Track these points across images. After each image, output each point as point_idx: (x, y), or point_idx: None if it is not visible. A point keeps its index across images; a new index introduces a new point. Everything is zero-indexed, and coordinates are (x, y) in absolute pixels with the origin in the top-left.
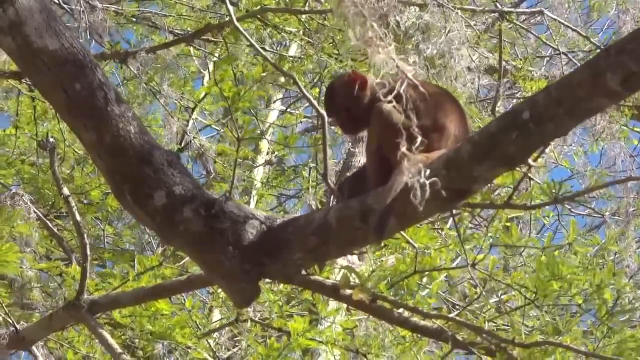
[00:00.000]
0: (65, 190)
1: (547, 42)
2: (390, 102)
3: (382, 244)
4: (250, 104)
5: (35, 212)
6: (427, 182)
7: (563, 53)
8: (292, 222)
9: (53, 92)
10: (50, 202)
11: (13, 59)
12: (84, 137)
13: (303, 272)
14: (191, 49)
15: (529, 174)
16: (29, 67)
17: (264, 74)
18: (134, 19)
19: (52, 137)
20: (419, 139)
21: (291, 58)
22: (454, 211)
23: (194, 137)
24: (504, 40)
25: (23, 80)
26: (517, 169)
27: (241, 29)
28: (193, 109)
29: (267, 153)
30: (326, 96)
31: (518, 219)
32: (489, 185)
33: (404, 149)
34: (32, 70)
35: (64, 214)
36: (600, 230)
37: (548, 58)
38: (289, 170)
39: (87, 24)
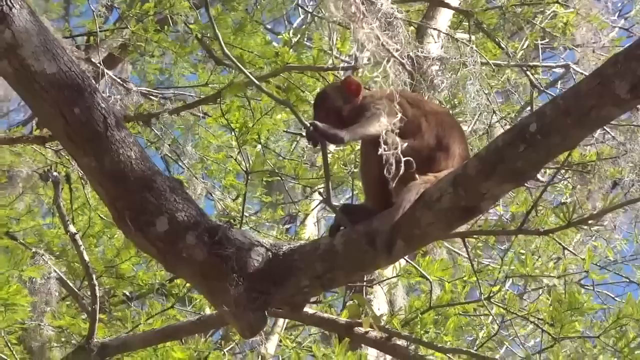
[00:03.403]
0: (72, 228)
1: None
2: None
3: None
4: (258, 136)
5: (55, 272)
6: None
7: None
8: (299, 249)
9: (52, 117)
10: (81, 278)
11: (10, 83)
12: (83, 163)
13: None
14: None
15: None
16: (26, 92)
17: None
18: (169, 101)
19: (56, 171)
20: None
21: None
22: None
23: (219, 199)
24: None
25: (47, 145)
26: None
27: (230, 54)
28: (236, 197)
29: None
30: (317, 99)
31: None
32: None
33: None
34: (30, 94)
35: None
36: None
37: None
38: None
39: (123, 107)
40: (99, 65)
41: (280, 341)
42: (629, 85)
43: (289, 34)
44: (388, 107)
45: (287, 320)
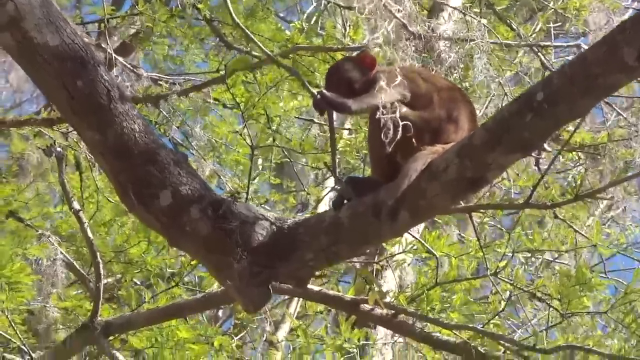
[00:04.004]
0: (76, 205)
1: None
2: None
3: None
4: (268, 118)
5: (61, 253)
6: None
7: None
8: (303, 223)
9: (55, 90)
10: (89, 264)
11: (12, 56)
12: (87, 136)
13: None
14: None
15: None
16: (29, 65)
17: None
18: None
19: (59, 146)
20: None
21: None
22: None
23: (227, 181)
24: None
25: (54, 128)
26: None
27: (238, 21)
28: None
29: None
30: (330, 69)
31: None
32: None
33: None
34: (33, 67)
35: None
36: None
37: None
38: None
39: (132, 92)
40: (105, 46)
41: (292, 330)
42: (637, 52)
43: (301, 22)
44: (399, 79)
45: (298, 309)
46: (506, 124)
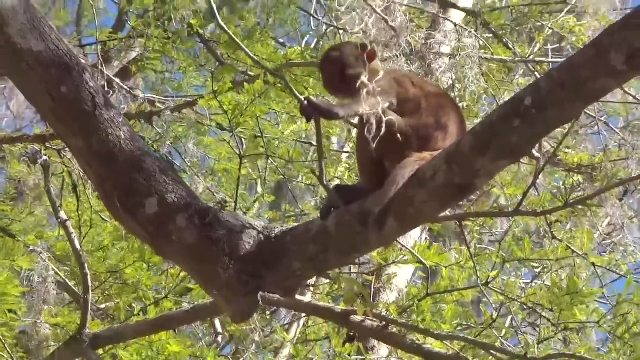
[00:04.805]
0: (63, 215)
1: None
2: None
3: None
4: (252, 119)
5: (53, 269)
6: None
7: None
8: (291, 231)
9: (38, 96)
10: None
11: None
12: (72, 144)
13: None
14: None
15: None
16: (13, 70)
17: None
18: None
19: (45, 154)
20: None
21: None
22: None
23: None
24: None
25: (47, 145)
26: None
27: (225, 28)
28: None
29: None
30: (330, 48)
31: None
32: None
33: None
34: (16, 73)
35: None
36: None
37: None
38: None
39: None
40: (100, 67)
41: (292, 357)
42: (625, 57)
43: (300, 46)
44: (389, 85)
45: (297, 335)
46: (494, 129)
